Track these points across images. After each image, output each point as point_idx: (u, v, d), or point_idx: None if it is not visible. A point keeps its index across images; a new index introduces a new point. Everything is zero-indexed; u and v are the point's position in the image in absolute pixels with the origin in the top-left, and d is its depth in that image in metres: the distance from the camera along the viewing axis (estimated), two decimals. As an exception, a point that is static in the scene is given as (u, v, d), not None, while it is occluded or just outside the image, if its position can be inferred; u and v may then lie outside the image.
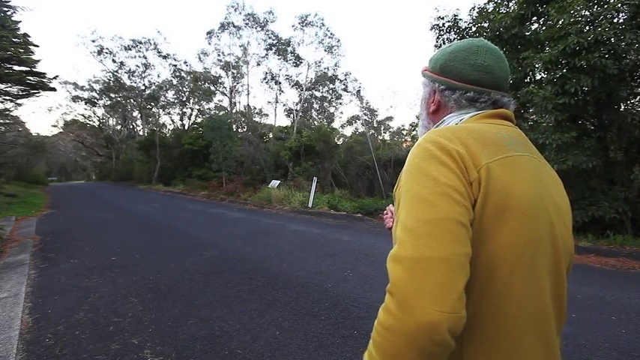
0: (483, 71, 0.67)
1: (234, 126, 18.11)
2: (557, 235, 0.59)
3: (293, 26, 21.77)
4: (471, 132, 0.60)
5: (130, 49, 22.13)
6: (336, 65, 21.29)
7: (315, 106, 23.80)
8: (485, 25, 6.14)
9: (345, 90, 22.93)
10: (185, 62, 23.37)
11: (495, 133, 0.61)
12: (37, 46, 13.86)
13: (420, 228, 0.49)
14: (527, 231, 0.54)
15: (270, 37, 20.52)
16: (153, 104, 24.87)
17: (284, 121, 38.75)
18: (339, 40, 20.27)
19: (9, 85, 13.46)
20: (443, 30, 6.70)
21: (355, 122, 26.54)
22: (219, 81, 22.83)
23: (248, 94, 23.75)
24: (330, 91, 22.83)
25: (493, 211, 0.53)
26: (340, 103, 24.18)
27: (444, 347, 0.46)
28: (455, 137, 0.58)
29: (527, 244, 0.54)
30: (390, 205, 0.94)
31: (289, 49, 20.36)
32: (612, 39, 4.50)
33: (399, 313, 0.46)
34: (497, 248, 0.54)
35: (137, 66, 22.77)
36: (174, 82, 23.37)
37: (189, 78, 23.01)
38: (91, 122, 32.41)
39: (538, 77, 5.91)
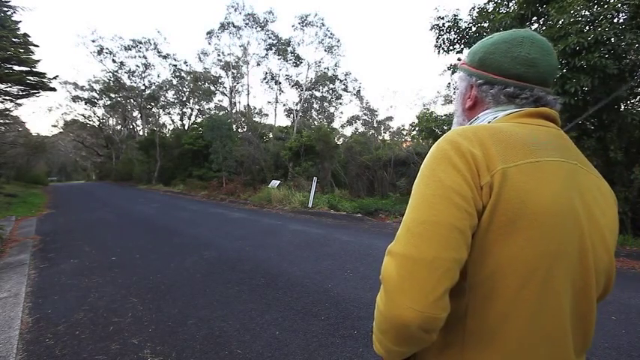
0: (527, 65, 0.62)
1: (234, 126, 18.12)
2: (588, 251, 0.55)
3: (293, 26, 21.81)
4: (495, 132, 0.56)
5: (130, 49, 22.15)
6: (336, 65, 21.36)
7: (315, 106, 23.83)
8: (486, 25, 6.14)
9: (345, 90, 22.99)
10: (185, 62, 23.43)
11: (525, 135, 0.57)
12: (37, 46, 13.87)
13: (415, 227, 0.51)
14: (543, 243, 0.51)
15: (270, 37, 20.55)
16: (153, 104, 24.87)
17: (284, 121, 38.76)
18: (339, 40, 20.33)
19: (9, 85, 13.47)
20: (443, 30, 6.69)
21: (355, 122, 26.56)
22: (219, 81, 22.86)
23: (248, 94, 23.79)
24: (330, 91, 22.87)
25: (505, 218, 0.51)
26: (340, 103, 24.25)
27: (418, 338, 0.51)
28: (475, 137, 0.55)
29: (543, 257, 0.51)
30: None
31: (289, 49, 20.38)
32: (612, 39, 4.50)
33: (386, 301, 0.51)
34: (506, 257, 0.51)
35: (137, 66, 22.80)
36: (174, 82, 23.40)
37: (189, 78, 23.02)
38: (91, 122, 32.43)
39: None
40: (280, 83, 21.85)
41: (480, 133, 0.56)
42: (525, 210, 0.51)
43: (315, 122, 22.95)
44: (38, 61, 13.59)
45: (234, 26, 20.26)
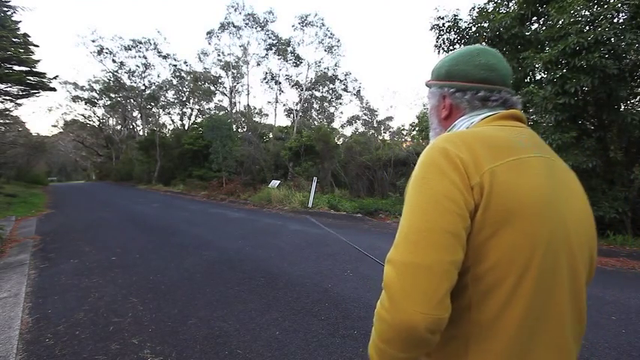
0: (489, 69, 0.69)
1: (234, 126, 18.10)
2: (573, 239, 0.59)
3: (293, 26, 21.77)
4: (479, 136, 0.61)
5: (130, 49, 22.15)
6: (336, 65, 21.33)
7: (315, 106, 23.82)
8: (485, 25, 6.14)
9: (345, 90, 22.97)
10: (185, 62, 23.41)
11: (505, 136, 0.62)
12: (37, 46, 13.88)
13: (411, 235, 0.55)
14: (536, 231, 0.55)
15: (270, 37, 20.53)
16: (153, 104, 24.86)
17: (284, 121, 38.77)
18: (339, 40, 20.30)
19: (9, 85, 13.48)
20: (443, 30, 6.69)
21: (355, 122, 26.55)
22: (219, 81, 22.85)
23: (248, 94, 23.78)
24: (330, 91, 22.85)
25: (498, 213, 0.54)
26: (340, 103, 24.22)
27: (425, 340, 0.53)
28: (461, 142, 0.59)
29: (537, 245, 0.55)
30: None
31: (289, 49, 20.37)
32: (612, 39, 4.50)
33: (389, 309, 0.53)
34: (504, 249, 0.54)
35: (137, 66, 22.79)
36: (175, 82, 23.39)
37: (189, 78, 23.02)
38: (91, 122, 32.44)
39: (538, 77, 5.91)
40: (280, 83, 21.85)
41: (464, 138, 0.60)
42: (516, 203, 0.55)
43: (315, 122, 22.95)
44: (38, 61, 13.60)
45: (234, 26, 20.26)
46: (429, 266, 0.51)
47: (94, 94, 28.04)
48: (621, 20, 4.78)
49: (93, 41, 21.82)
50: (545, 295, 0.56)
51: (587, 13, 4.75)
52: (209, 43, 23.21)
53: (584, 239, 0.62)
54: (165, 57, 22.68)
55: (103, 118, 32.66)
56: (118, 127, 33.28)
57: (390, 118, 27.68)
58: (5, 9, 12.53)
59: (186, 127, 23.91)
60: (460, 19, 6.57)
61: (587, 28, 4.73)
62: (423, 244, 0.52)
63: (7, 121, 19.28)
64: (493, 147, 0.59)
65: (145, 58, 22.57)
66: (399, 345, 0.54)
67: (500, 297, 0.55)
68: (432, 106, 0.80)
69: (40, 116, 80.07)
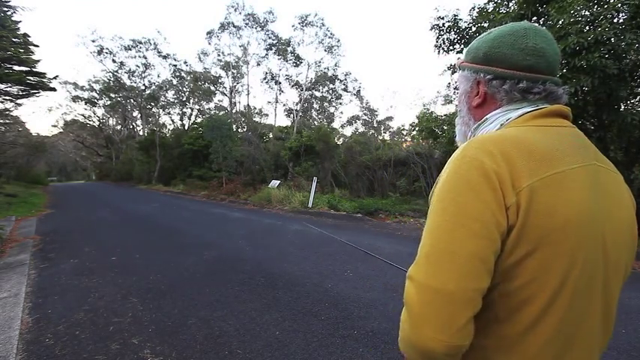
0: (537, 55, 0.59)
1: (234, 126, 18.11)
2: (610, 252, 0.56)
3: (293, 26, 21.79)
4: (518, 143, 0.54)
5: (130, 49, 22.17)
6: (336, 65, 21.34)
7: (315, 106, 23.82)
8: (486, 25, 6.14)
9: (345, 90, 22.98)
10: (185, 62, 23.45)
11: (547, 143, 0.55)
12: (37, 46, 13.88)
13: (434, 255, 0.51)
14: (572, 253, 0.52)
15: (270, 37, 20.54)
16: (153, 104, 24.87)
17: (284, 121, 38.77)
18: (339, 40, 20.30)
19: (9, 85, 13.48)
20: (443, 30, 6.69)
21: (355, 122, 26.56)
22: (219, 81, 22.85)
23: (248, 94, 23.76)
24: (330, 91, 22.85)
25: (534, 234, 0.51)
26: (340, 103, 24.22)
27: None
28: (498, 152, 0.53)
29: (573, 267, 0.52)
30: None
31: (289, 49, 20.37)
32: (612, 39, 4.49)
33: (409, 328, 0.52)
34: (538, 270, 0.52)
35: (137, 66, 22.82)
36: (175, 82, 23.40)
37: (189, 78, 23.03)
38: (91, 122, 32.44)
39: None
40: (280, 83, 21.86)
41: (502, 146, 0.53)
42: (554, 225, 0.51)
43: (315, 122, 22.95)
44: (38, 61, 13.60)
45: (234, 26, 20.26)
46: (450, 293, 0.48)
47: (94, 94, 28.07)
48: (621, 20, 4.77)
49: (93, 41, 21.87)
50: (578, 312, 0.54)
51: (587, 13, 4.75)
52: (209, 43, 23.24)
53: (623, 249, 0.59)
54: (165, 57, 22.71)
55: (103, 118, 32.69)
56: (118, 127, 33.28)
57: (390, 118, 27.73)
58: (5, 9, 12.53)
59: (186, 127, 23.91)
60: (460, 19, 6.56)
61: (587, 28, 4.73)
62: (447, 268, 0.49)
63: (7, 121, 19.28)
64: (533, 158, 0.53)
65: (145, 58, 22.61)
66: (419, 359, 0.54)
67: (531, 314, 0.53)
68: (462, 91, 0.71)
69: (40, 116, 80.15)
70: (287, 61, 20.83)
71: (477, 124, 0.67)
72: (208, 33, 20.98)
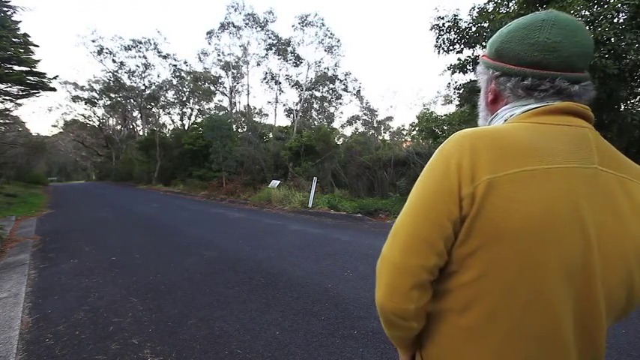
0: (546, 50, 0.56)
1: (234, 126, 18.11)
2: (594, 265, 0.51)
3: (293, 26, 21.80)
4: (494, 139, 0.54)
5: (130, 49, 22.18)
6: (336, 65, 21.37)
7: (315, 106, 23.83)
8: (486, 25, 6.14)
9: (345, 90, 22.99)
10: (185, 62, 23.46)
11: (530, 139, 0.53)
12: (37, 46, 13.87)
13: (393, 233, 0.60)
14: (531, 254, 0.50)
15: (270, 37, 20.55)
16: (153, 104, 24.88)
17: (284, 121, 38.79)
18: (339, 40, 20.33)
19: (9, 85, 13.46)
20: (443, 30, 6.69)
21: (355, 122, 26.57)
22: (219, 81, 22.87)
23: (248, 94, 23.77)
24: (330, 91, 22.86)
25: (486, 228, 0.51)
26: (340, 103, 24.25)
27: (398, 324, 0.61)
28: (469, 146, 0.54)
29: (531, 268, 0.50)
30: None
31: (289, 49, 20.38)
32: (612, 39, 4.50)
33: (376, 291, 0.62)
34: (490, 266, 0.52)
35: (137, 66, 22.83)
36: (174, 82, 23.41)
37: (189, 78, 23.03)
38: (91, 122, 32.46)
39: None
40: (280, 83, 21.87)
41: (476, 141, 0.54)
42: (510, 221, 0.50)
43: (315, 122, 22.96)
44: (38, 61, 13.58)
45: (234, 26, 20.27)
46: (398, 265, 0.57)
47: (94, 94, 28.05)
48: (621, 20, 4.78)
49: (93, 41, 21.89)
50: (538, 320, 0.52)
51: (587, 13, 4.75)
52: (209, 43, 23.28)
53: (620, 268, 0.53)
54: (165, 57, 22.71)
55: (103, 118, 32.69)
56: (118, 127, 33.28)
57: (390, 118, 27.76)
58: (5, 9, 12.53)
59: (186, 127, 23.91)
60: (460, 19, 6.56)
61: (587, 28, 4.73)
62: (398, 245, 0.58)
63: (7, 121, 19.27)
64: (505, 153, 0.52)
65: (145, 58, 22.63)
66: (382, 322, 0.64)
67: (483, 311, 0.54)
68: (481, 86, 0.71)
69: (40, 116, 79.98)
70: (287, 61, 20.85)
71: (490, 119, 0.69)
72: (208, 33, 21.01)
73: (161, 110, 25.44)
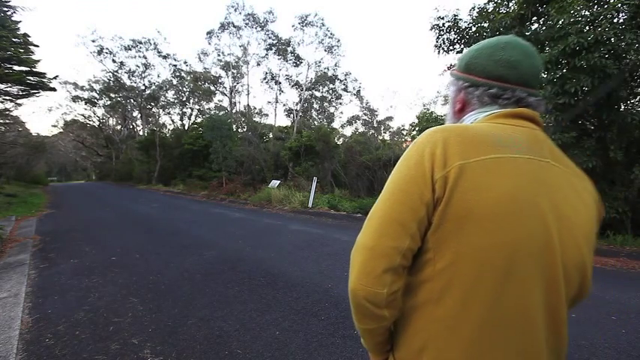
0: (509, 66, 0.65)
1: (234, 126, 18.10)
2: (554, 247, 0.56)
3: (293, 26, 21.80)
4: (463, 132, 0.59)
5: (130, 49, 22.18)
6: (336, 65, 21.36)
7: (315, 106, 23.81)
8: (486, 25, 6.14)
9: (345, 90, 22.99)
10: (185, 62, 23.46)
11: (495, 134, 0.59)
12: (37, 46, 13.85)
13: (369, 217, 0.62)
14: (500, 233, 0.54)
15: (270, 37, 20.54)
16: (153, 104, 24.88)
17: (284, 121, 38.80)
18: (339, 40, 20.32)
19: (9, 85, 13.45)
20: (443, 30, 6.69)
21: (355, 122, 26.56)
22: (219, 81, 22.87)
23: (248, 94, 23.76)
24: (330, 91, 22.86)
25: (460, 209, 0.54)
26: (340, 103, 24.23)
27: (370, 311, 0.60)
28: (441, 137, 0.59)
29: (501, 247, 0.54)
30: None
31: (289, 49, 20.38)
32: (612, 39, 4.50)
33: (349, 277, 0.62)
34: (464, 246, 0.55)
35: (137, 66, 22.83)
36: (175, 82, 23.40)
37: (189, 78, 23.03)
38: (91, 122, 32.43)
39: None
40: (280, 83, 21.86)
41: (448, 133, 0.59)
42: (480, 202, 0.54)
43: (315, 122, 22.95)
44: (38, 61, 13.57)
45: (234, 26, 20.27)
46: (371, 247, 0.58)
47: (94, 94, 28.03)
48: (621, 20, 4.78)
49: (93, 41, 21.88)
50: (511, 301, 0.55)
51: (587, 13, 4.75)
52: (209, 43, 23.28)
53: (574, 252, 0.59)
54: (165, 57, 22.71)
55: (103, 118, 32.66)
56: (118, 127, 33.26)
57: (390, 118, 27.73)
58: (5, 9, 12.53)
59: (186, 127, 23.92)
60: (460, 19, 6.57)
61: (587, 28, 4.73)
62: (372, 228, 0.60)
63: (7, 121, 19.26)
64: (472, 143, 0.57)
65: (145, 58, 22.62)
66: (354, 313, 0.64)
67: (458, 295, 0.56)
68: (450, 97, 0.78)
69: (40, 116, 79.97)
70: (287, 61, 20.84)
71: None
72: (208, 33, 21.00)
73: (161, 110, 25.44)
